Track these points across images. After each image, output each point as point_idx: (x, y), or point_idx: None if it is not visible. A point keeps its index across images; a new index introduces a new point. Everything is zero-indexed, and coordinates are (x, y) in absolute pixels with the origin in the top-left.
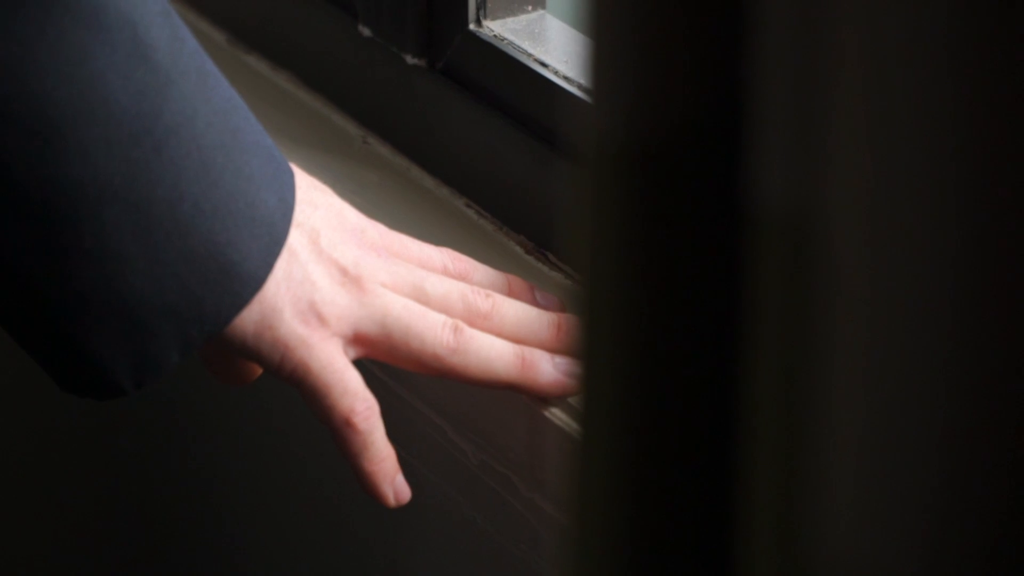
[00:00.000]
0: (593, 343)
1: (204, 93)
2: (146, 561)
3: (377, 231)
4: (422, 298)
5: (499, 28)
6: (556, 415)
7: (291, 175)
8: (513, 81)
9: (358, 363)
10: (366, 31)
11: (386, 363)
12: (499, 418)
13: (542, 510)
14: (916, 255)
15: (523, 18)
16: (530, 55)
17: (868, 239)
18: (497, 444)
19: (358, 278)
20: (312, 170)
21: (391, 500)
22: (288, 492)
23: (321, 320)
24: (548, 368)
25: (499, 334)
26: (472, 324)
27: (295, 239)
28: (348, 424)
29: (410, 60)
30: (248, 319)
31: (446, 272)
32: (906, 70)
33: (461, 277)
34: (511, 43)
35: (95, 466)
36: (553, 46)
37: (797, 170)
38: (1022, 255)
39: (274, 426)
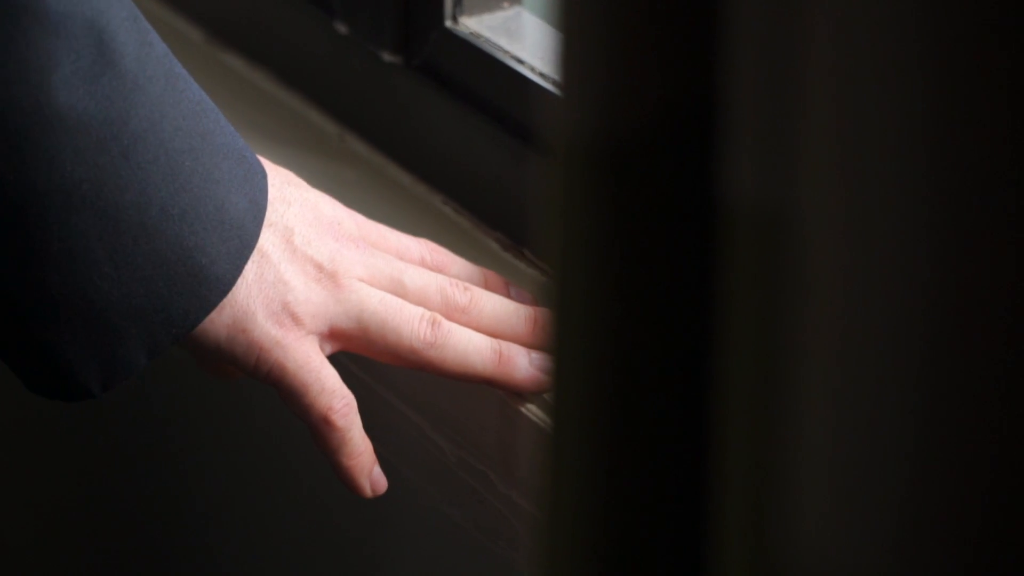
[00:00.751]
0: (565, 338)
1: (172, 97)
2: (129, 559)
3: (354, 221)
4: (400, 291)
5: (475, 25)
6: (533, 412)
7: (263, 176)
8: (490, 78)
9: (336, 358)
10: (342, 29)
11: (364, 358)
12: (477, 415)
13: (520, 507)
14: (888, 250)
15: (499, 15)
16: (506, 52)
17: (840, 234)
18: (475, 441)
19: (334, 273)
20: (290, 168)
21: (368, 492)
22: (268, 487)
23: (295, 320)
24: (524, 363)
25: (476, 328)
26: (450, 317)
27: (267, 240)
28: (326, 422)
29: (387, 57)
30: (220, 322)
31: (423, 263)
32: (877, 65)
33: (438, 269)
34: (487, 40)
35: (75, 464)
36: (529, 43)
37: (769, 165)
38: (994, 251)
39: (255, 422)
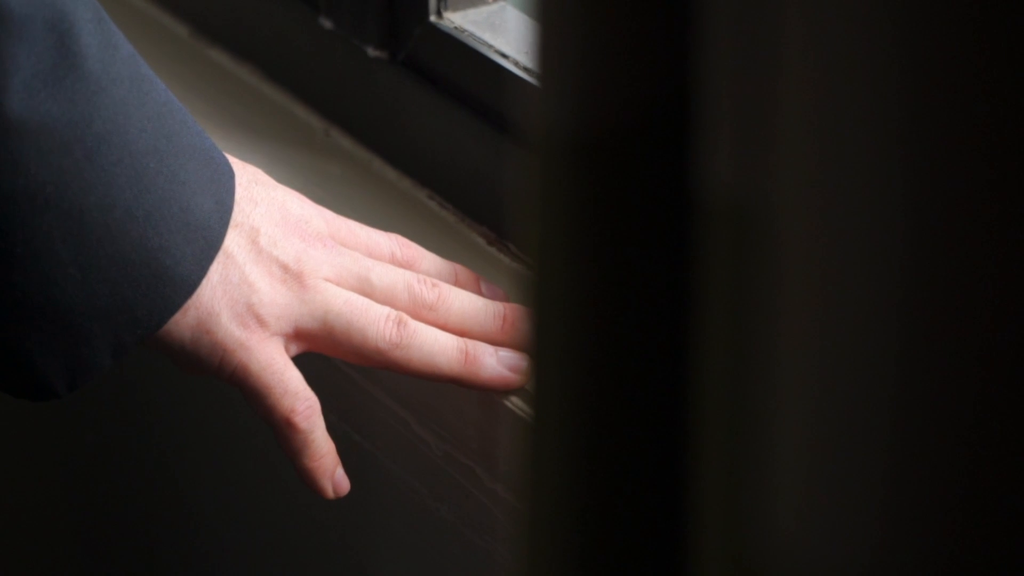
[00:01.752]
0: (544, 330)
1: (137, 99)
2: (113, 558)
3: (323, 218)
4: (367, 289)
5: (460, 20)
6: (517, 405)
7: (230, 176)
8: (474, 73)
9: (315, 356)
10: (327, 24)
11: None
12: (461, 410)
13: (504, 500)
14: (862, 244)
15: (483, 10)
16: (491, 47)
17: (814, 228)
18: (460, 435)
19: (299, 274)
20: (275, 163)
21: (330, 494)
22: (253, 483)
23: (260, 322)
24: (491, 362)
25: (444, 325)
26: (417, 315)
27: (232, 241)
28: (289, 423)
29: (371, 52)
30: (184, 323)
31: (393, 259)
32: (851, 62)
33: (408, 264)
34: (471, 34)
35: (58, 462)
36: (513, 37)
37: (744, 159)
38: (967, 244)
39: (236, 420)
